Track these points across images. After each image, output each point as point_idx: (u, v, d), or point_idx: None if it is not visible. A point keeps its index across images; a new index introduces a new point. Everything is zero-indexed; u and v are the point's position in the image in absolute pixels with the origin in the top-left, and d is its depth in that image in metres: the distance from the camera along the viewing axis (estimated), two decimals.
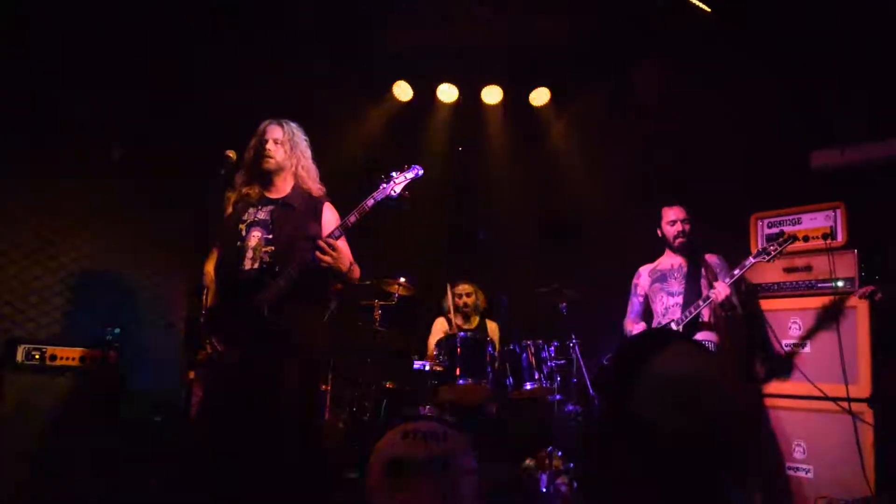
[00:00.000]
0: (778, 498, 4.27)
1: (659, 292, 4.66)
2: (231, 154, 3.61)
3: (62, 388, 4.61)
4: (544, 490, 4.79)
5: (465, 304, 6.08)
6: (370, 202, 3.57)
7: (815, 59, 5.21)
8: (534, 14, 5.84)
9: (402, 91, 6.87)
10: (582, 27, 5.89)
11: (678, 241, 4.60)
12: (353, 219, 3.52)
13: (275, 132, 3.69)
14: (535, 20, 5.91)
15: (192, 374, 4.11)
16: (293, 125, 3.76)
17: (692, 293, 4.43)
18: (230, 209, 3.69)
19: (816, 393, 4.21)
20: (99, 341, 4.96)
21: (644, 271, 4.87)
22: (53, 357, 4.65)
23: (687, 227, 4.58)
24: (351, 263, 3.60)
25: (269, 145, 3.64)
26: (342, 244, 3.56)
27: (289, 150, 3.70)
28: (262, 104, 3.75)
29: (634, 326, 4.78)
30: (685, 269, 4.58)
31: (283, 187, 3.73)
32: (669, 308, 4.55)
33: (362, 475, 4.39)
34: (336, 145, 6.59)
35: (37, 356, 4.60)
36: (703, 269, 4.53)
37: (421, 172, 3.69)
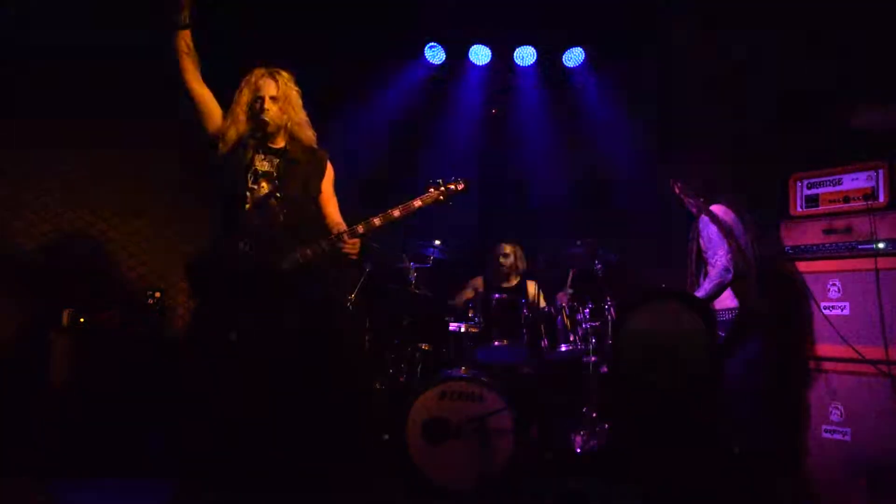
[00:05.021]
0: (814, 460, 4.26)
1: None
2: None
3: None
4: (579, 451, 4.84)
5: (502, 265, 6.12)
6: (417, 203, 3.67)
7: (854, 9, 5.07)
8: None
9: (434, 54, 6.82)
10: None
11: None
12: (396, 213, 3.60)
13: (270, 87, 3.60)
14: None
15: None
16: (285, 75, 3.68)
17: (694, 276, 4.35)
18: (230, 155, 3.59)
19: (855, 356, 4.18)
20: (141, 302, 5.11)
21: None
22: (99, 319, 4.78)
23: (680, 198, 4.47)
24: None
25: (267, 104, 3.58)
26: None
27: (284, 105, 3.64)
28: (290, 64, 3.71)
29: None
30: (690, 238, 4.43)
31: (279, 139, 3.71)
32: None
33: (397, 436, 4.46)
34: (367, 109, 6.59)
35: (81, 319, 4.73)
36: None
37: (467, 186, 3.81)
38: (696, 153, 5.50)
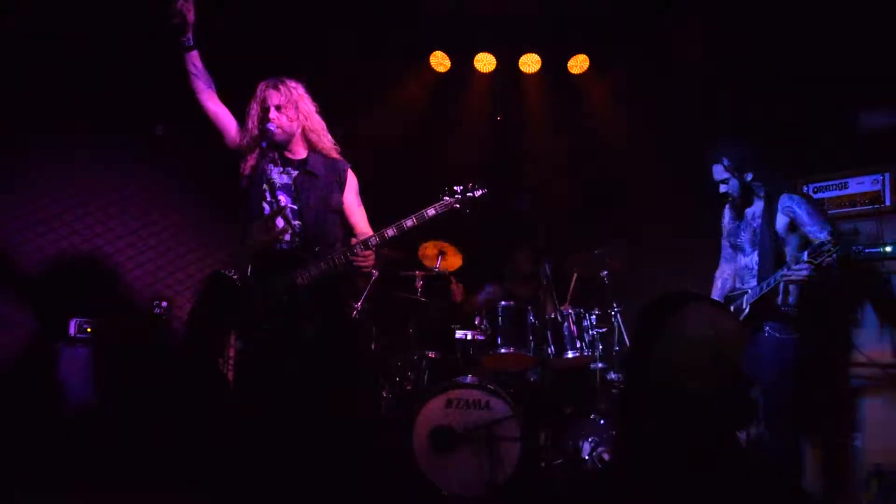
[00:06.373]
0: (826, 465, 4.24)
1: (733, 248, 4.23)
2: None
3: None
4: (587, 458, 4.82)
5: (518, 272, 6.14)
6: (431, 212, 3.54)
7: (863, 13, 5.04)
8: None
9: (440, 61, 6.84)
10: None
11: (730, 204, 4.22)
12: (409, 223, 3.49)
13: (274, 97, 3.53)
14: None
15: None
16: (291, 83, 3.61)
17: (768, 257, 3.96)
18: (248, 170, 3.57)
19: (864, 360, 4.16)
20: (148, 311, 5.13)
21: (727, 210, 4.34)
22: (104, 330, 4.79)
23: (730, 188, 4.08)
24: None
25: (272, 114, 3.51)
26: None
27: (292, 113, 3.57)
28: (298, 73, 3.70)
29: (714, 280, 4.39)
30: (760, 221, 4.03)
31: (298, 149, 3.66)
32: (741, 271, 4.14)
33: (404, 444, 4.46)
34: (374, 117, 6.60)
35: (88, 329, 4.75)
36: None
37: (485, 194, 3.64)
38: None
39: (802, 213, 3.88)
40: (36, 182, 5.17)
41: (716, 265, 4.43)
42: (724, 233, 4.32)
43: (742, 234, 4.11)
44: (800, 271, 3.65)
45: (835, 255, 3.59)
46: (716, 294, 4.32)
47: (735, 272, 4.21)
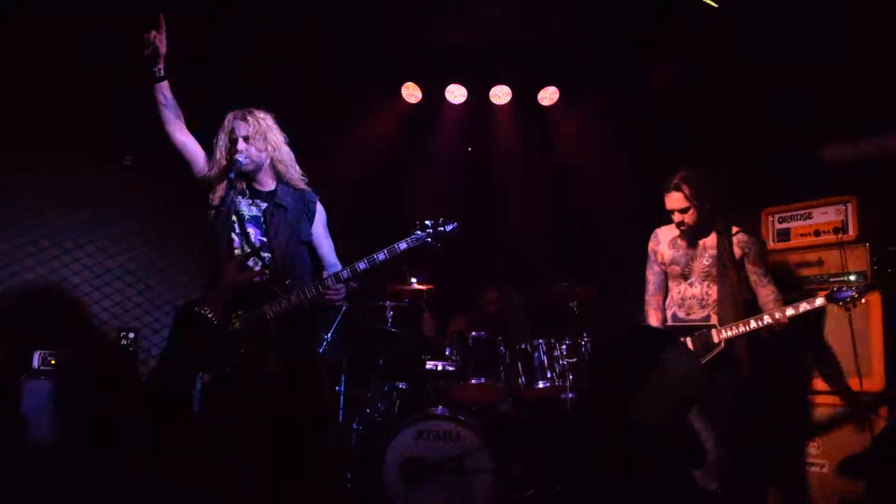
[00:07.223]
0: (794, 493, 4.25)
1: (676, 277, 4.19)
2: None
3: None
4: (559, 489, 4.79)
5: (488, 308, 6.17)
6: (402, 246, 3.52)
7: (827, 47, 5.14)
8: (543, 13, 5.83)
9: (411, 93, 6.88)
10: (591, 23, 5.88)
11: (681, 233, 4.15)
12: (381, 257, 3.48)
13: (242, 128, 3.51)
14: (544, 19, 5.90)
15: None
16: (259, 114, 3.59)
17: (728, 289, 3.96)
18: (216, 201, 3.54)
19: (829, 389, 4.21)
20: (114, 345, 5.05)
21: (664, 237, 4.28)
22: (69, 362, 4.71)
23: (686, 217, 4.04)
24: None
25: (240, 145, 3.49)
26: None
27: (260, 144, 3.54)
28: (269, 105, 3.70)
29: (650, 310, 4.30)
30: (715, 253, 4.05)
31: (266, 181, 3.65)
32: (687, 300, 4.11)
33: (374, 477, 4.41)
34: (345, 148, 6.61)
35: (52, 361, 4.67)
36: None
37: (456, 228, 3.64)
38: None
39: (755, 253, 4.02)
40: None
41: None
42: (663, 259, 4.25)
43: (691, 263, 4.12)
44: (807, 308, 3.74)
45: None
46: (655, 324, 4.25)
47: (678, 301, 4.18)
